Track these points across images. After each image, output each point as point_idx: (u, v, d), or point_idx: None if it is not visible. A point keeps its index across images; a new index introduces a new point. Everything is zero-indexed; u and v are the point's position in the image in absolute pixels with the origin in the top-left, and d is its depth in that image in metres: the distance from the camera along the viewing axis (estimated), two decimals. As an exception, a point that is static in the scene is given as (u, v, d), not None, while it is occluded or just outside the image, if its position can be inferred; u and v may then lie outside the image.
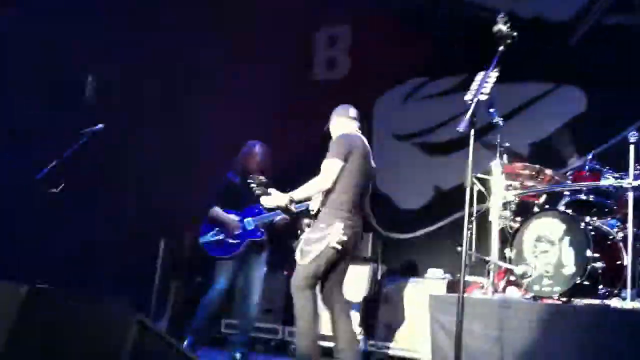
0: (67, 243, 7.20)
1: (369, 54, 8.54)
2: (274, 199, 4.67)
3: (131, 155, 8.42)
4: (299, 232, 4.78)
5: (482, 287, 5.16)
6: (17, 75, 7.62)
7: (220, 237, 5.84)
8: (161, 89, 8.86)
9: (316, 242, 4.42)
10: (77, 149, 4.90)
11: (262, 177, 4.86)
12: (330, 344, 4.75)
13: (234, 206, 5.91)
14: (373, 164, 4.82)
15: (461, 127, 3.58)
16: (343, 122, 4.90)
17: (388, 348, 6.25)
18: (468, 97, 3.71)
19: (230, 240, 5.83)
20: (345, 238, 4.39)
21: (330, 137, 4.86)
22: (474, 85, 3.76)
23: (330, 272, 4.54)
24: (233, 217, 5.84)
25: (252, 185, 4.76)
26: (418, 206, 7.83)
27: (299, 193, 4.57)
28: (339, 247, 4.37)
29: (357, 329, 6.31)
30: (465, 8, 7.91)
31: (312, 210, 4.65)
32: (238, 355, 5.79)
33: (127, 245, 7.92)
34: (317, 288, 4.58)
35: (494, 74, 3.80)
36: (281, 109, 8.70)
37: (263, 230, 5.86)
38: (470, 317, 4.44)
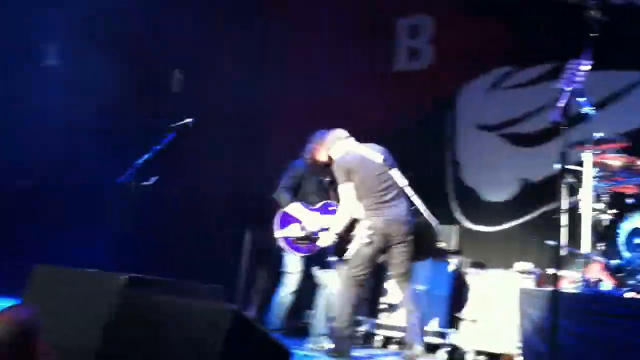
0: (157, 234, 7.43)
1: (453, 43, 8.41)
2: (324, 241, 5.58)
3: (217, 146, 8.58)
4: None
5: (574, 281, 5.02)
6: (108, 70, 7.86)
7: (302, 234, 5.81)
8: (243, 79, 8.96)
9: (354, 242, 5.16)
10: (167, 142, 5.02)
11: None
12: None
13: (297, 194, 5.89)
14: (377, 160, 5.28)
15: (553, 117, 3.48)
16: (340, 146, 5.45)
17: (474, 343, 6.16)
18: (560, 86, 3.60)
19: (312, 238, 5.81)
20: (371, 232, 5.04)
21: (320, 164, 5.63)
22: (566, 74, 3.65)
23: (382, 264, 5.28)
24: (316, 216, 5.80)
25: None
26: (504, 199, 7.66)
27: (337, 227, 5.38)
28: (368, 240, 5.03)
29: (441, 323, 6.31)
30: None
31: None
32: (325, 344, 5.82)
33: (214, 235, 8.09)
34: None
35: (586, 62, 3.68)
36: (360, 100, 8.71)
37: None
38: (561, 312, 4.34)
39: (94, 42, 7.88)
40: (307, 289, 6.10)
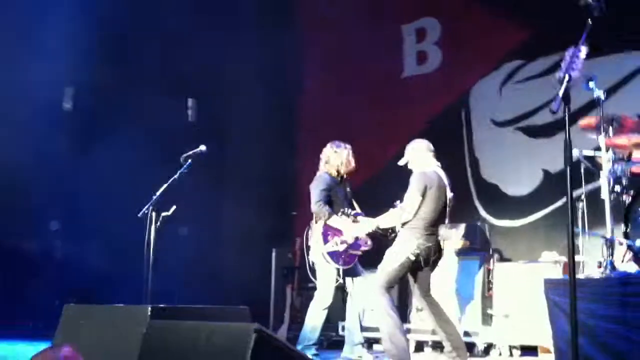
0: (183, 262, 7.52)
1: (461, 43, 8.45)
2: (362, 227, 5.61)
3: (238, 166, 8.68)
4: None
5: (600, 265, 5.00)
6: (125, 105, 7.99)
7: (343, 246, 5.81)
8: (258, 98, 9.06)
9: (396, 254, 5.20)
10: (183, 171, 5.11)
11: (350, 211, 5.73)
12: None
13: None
14: (449, 193, 5.37)
15: (554, 107, 3.48)
16: (422, 157, 5.44)
17: (508, 338, 6.15)
18: (559, 75, 3.61)
19: (351, 251, 5.83)
20: (418, 251, 5.17)
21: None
22: (564, 63, 3.66)
23: (412, 277, 5.34)
24: (355, 227, 5.80)
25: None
26: (527, 192, 7.66)
27: (383, 222, 5.41)
28: (413, 258, 5.16)
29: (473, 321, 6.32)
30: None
31: (397, 231, 5.37)
32: (362, 354, 5.84)
33: (242, 256, 8.18)
34: (415, 291, 5.39)
35: (584, 49, 3.68)
36: (371, 107, 8.80)
37: (369, 239, 5.88)
38: (590, 298, 4.33)
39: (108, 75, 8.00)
40: (337, 301, 6.12)
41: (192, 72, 8.60)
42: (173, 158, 5.38)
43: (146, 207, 4.80)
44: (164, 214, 4.83)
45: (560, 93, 3.50)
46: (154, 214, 4.77)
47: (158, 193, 4.89)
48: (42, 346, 3.52)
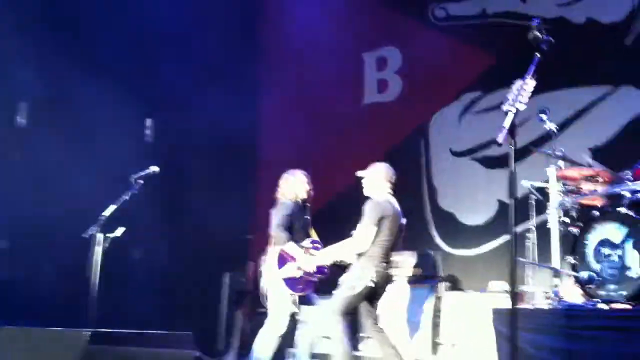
0: (130, 285, 7.39)
1: (421, 73, 8.55)
2: (319, 261, 5.64)
3: (188, 191, 8.61)
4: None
5: (547, 296, 5.05)
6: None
7: (300, 273, 5.76)
8: (216, 124, 9.03)
9: (355, 281, 5.19)
10: (134, 192, 5.05)
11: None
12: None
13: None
14: (403, 220, 5.41)
15: (500, 139, 3.51)
16: (378, 183, 5.44)
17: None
18: (505, 107, 3.64)
19: (306, 277, 5.78)
20: (376, 279, 5.17)
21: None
22: (511, 95, 3.69)
23: (369, 305, 5.29)
24: (310, 256, 5.76)
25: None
26: (482, 221, 7.73)
27: (339, 255, 5.49)
28: (372, 285, 5.16)
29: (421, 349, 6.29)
30: (512, 19, 7.87)
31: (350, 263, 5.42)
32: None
33: (194, 280, 8.08)
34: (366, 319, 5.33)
35: (531, 82, 3.72)
36: (330, 135, 8.84)
37: (327, 267, 5.84)
38: (536, 328, 4.37)
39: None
40: (288, 328, 6.05)
41: (151, 93, 8.54)
42: (127, 178, 5.31)
43: (91, 227, 4.72)
44: (110, 235, 4.76)
45: (506, 125, 3.54)
46: (100, 235, 4.69)
47: (105, 213, 4.81)
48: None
